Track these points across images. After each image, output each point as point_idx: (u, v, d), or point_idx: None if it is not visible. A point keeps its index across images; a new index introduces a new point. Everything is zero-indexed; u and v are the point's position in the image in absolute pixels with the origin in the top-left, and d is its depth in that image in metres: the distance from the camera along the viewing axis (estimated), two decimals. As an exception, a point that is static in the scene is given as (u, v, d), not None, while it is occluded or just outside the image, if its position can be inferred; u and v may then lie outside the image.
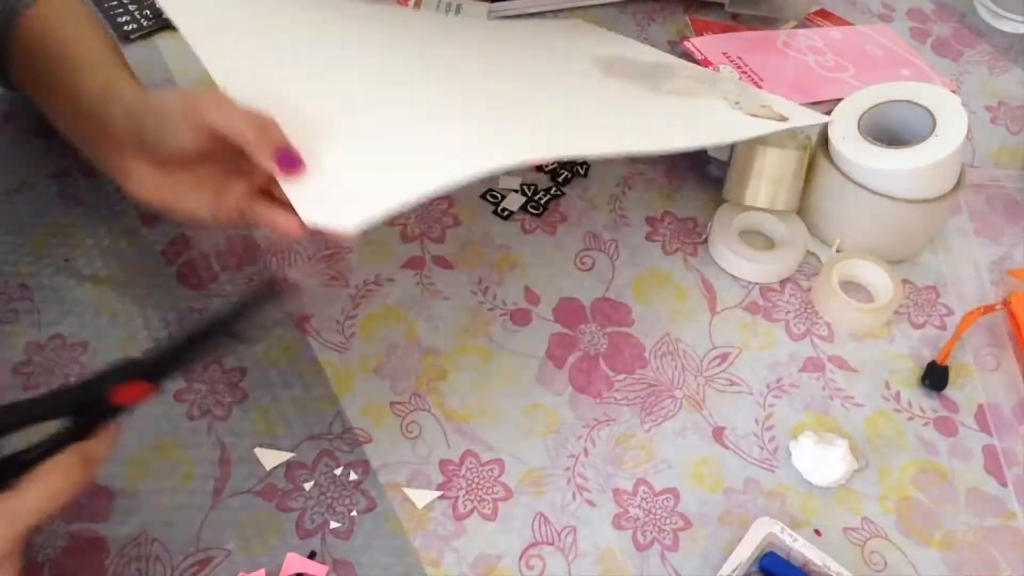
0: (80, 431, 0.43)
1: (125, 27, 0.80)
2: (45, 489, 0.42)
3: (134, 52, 0.79)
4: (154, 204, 0.54)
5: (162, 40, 0.80)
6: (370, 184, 0.49)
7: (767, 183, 0.65)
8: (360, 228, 0.44)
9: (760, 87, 0.74)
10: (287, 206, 0.49)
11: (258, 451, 0.54)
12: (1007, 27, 0.90)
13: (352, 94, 0.56)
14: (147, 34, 0.80)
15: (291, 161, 0.48)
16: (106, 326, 0.61)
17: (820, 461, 0.55)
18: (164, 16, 0.81)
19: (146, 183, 0.53)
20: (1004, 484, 0.57)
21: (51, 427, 0.43)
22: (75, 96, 0.57)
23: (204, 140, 0.50)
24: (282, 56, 0.59)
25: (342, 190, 0.48)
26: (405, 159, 0.50)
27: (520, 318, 0.63)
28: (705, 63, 0.76)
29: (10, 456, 0.43)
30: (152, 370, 0.44)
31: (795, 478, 0.56)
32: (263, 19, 0.62)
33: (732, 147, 0.66)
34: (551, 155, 0.56)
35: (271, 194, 0.51)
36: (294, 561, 0.51)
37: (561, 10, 0.87)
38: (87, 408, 0.43)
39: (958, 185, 0.65)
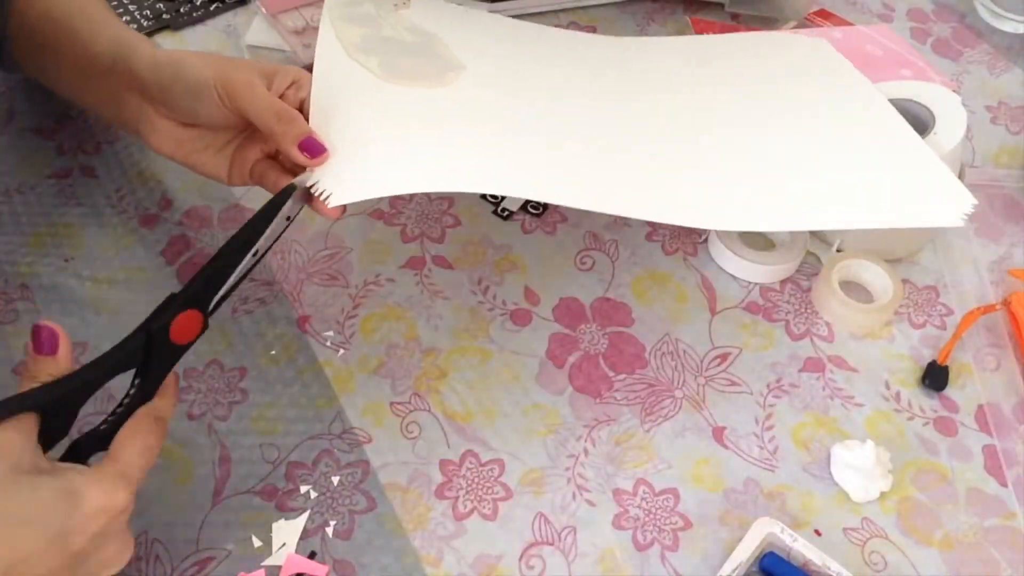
0: (146, 388, 0.45)
1: (125, 27, 0.80)
2: (140, 446, 0.44)
3: (134, 52, 0.79)
4: (174, 157, 0.57)
5: (162, 40, 0.80)
6: (379, 168, 0.51)
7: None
8: (345, 203, 0.49)
9: (760, 87, 0.75)
10: (293, 172, 0.53)
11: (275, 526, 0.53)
12: (1007, 27, 0.90)
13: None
14: (147, 34, 0.80)
15: (316, 149, 0.51)
16: (106, 326, 0.61)
17: (864, 479, 0.55)
18: (164, 16, 0.81)
19: (168, 138, 0.56)
20: (1004, 484, 0.57)
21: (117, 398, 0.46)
22: (86, 57, 0.58)
23: (233, 117, 0.53)
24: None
25: (355, 167, 0.51)
26: (429, 153, 0.52)
27: (520, 318, 0.63)
28: (705, 63, 0.76)
29: (88, 433, 0.45)
30: (197, 299, 0.46)
31: (795, 478, 0.56)
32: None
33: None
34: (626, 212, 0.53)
35: (280, 160, 0.56)
36: (294, 561, 0.51)
37: (562, 10, 0.87)
38: (153, 351, 0.45)
39: (958, 185, 0.65)
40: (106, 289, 0.62)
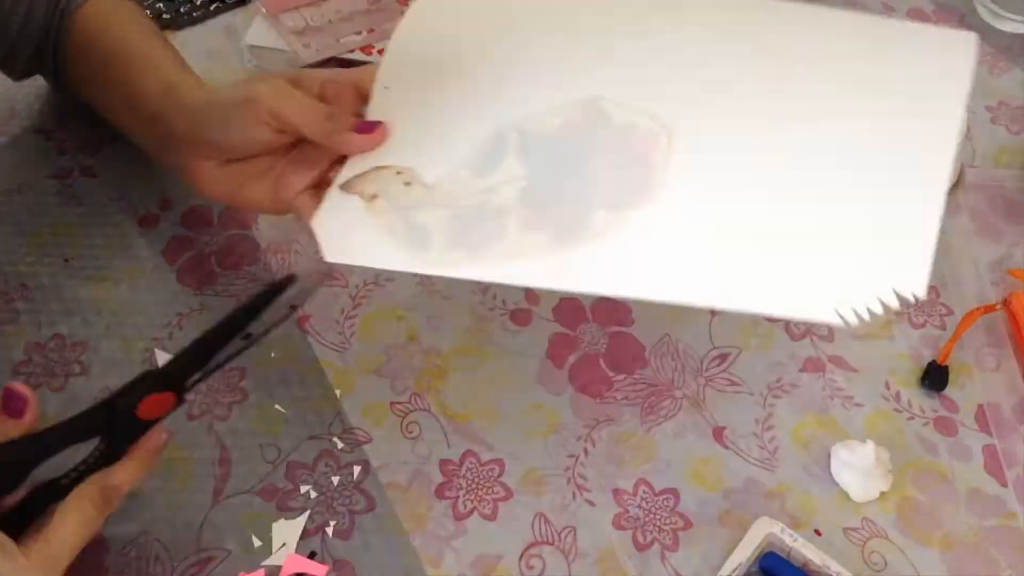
0: (111, 452, 0.44)
1: (125, 27, 0.80)
2: (78, 521, 0.43)
3: (134, 52, 0.79)
4: (218, 198, 0.55)
5: (162, 40, 0.80)
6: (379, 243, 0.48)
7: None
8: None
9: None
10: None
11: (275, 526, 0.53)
12: (1007, 27, 0.90)
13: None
14: (147, 34, 0.80)
15: (371, 126, 0.50)
16: (106, 326, 0.61)
17: (864, 479, 0.55)
18: (164, 16, 0.81)
19: (210, 180, 0.54)
20: (1004, 484, 0.57)
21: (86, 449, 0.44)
22: (136, 97, 0.57)
23: (269, 131, 0.51)
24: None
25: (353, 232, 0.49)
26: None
27: (520, 318, 0.63)
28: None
29: (48, 482, 0.44)
30: (172, 380, 0.45)
31: (795, 478, 0.56)
32: None
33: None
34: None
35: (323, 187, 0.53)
36: (294, 561, 0.51)
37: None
38: (115, 426, 0.44)
39: (957, 184, 0.65)
40: (106, 289, 0.62)
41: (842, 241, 0.42)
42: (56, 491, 0.43)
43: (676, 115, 0.47)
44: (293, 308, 0.47)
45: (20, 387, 0.44)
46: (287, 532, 0.52)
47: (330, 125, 0.50)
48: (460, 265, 0.45)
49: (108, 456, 0.44)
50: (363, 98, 0.53)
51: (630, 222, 0.43)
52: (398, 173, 0.50)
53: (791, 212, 0.43)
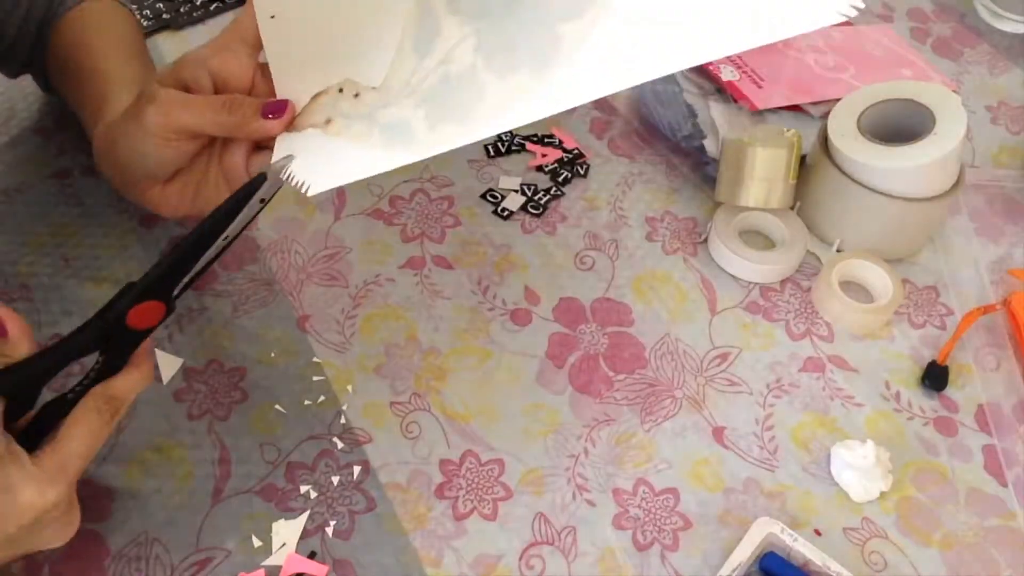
0: (111, 364, 0.45)
1: (125, 27, 0.80)
2: (84, 432, 0.44)
3: (134, 52, 0.79)
4: (180, 215, 0.54)
5: (162, 40, 0.80)
6: (344, 157, 0.46)
7: (758, 183, 0.65)
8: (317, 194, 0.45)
9: (761, 87, 0.74)
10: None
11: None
12: (1007, 27, 0.90)
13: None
14: (147, 34, 0.80)
15: (280, 107, 0.48)
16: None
17: (864, 479, 0.55)
18: (164, 16, 0.81)
19: (163, 201, 0.53)
20: (1004, 484, 0.57)
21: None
22: (103, 113, 0.56)
23: (180, 144, 0.49)
24: None
25: (321, 156, 0.47)
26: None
27: (520, 318, 0.63)
28: (706, 65, 0.76)
29: (55, 399, 0.45)
30: (159, 287, 0.45)
31: (795, 478, 0.56)
32: None
33: (722, 149, 0.66)
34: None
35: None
36: (294, 561, 0.51)
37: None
38: (111, 338, 0.45)
39: (957, 184, 0.65)
40: (106, 289, 0.62)
41: None
42: (63, 407, 0.45)
43: None
44: (263, 202, 0.46)
45: None
46: (287, 532, 0.52)
47: (233, 118, 0.48)
48: (454, 137, 0.43)
49: (109, 368, 0.45)
50: (255, 44, 0.50)
51: (598, 20, 0.41)
52: (340, 91, 0.47)
53: None
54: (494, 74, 0.43)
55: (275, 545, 0.52)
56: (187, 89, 0.49)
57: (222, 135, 0.49)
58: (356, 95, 0.47)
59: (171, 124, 0.48)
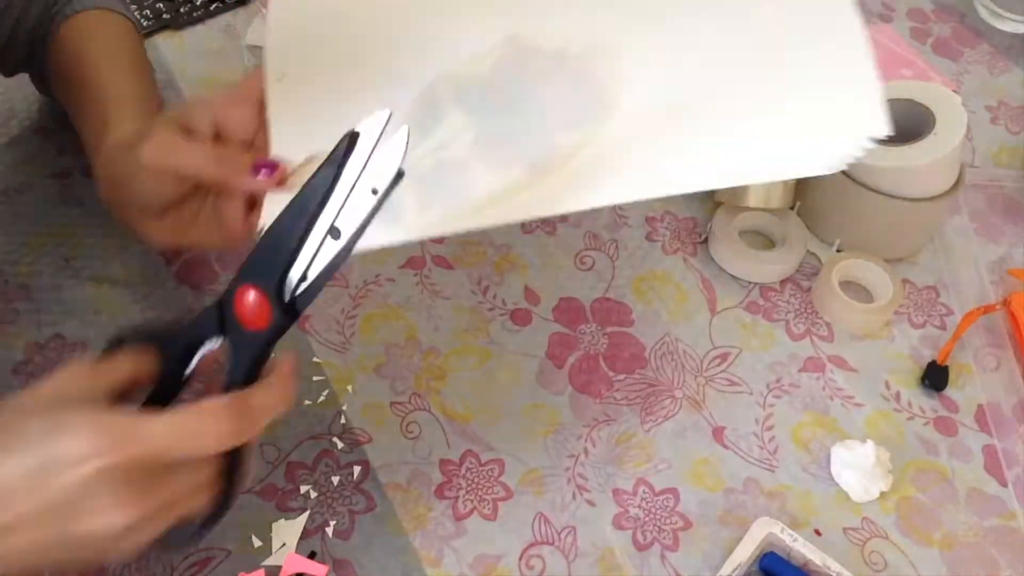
0: (235, 375, 0.41)
1: (125, 27, 0.80)
2: (181, 426, 0.37)
3: (134, 52, 0.79)
4: (170, 245, 0.53)
5: (162, 40, 0.80)
6: None
7: (758, 183, 0.65)
8: None
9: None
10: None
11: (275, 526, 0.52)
12: (1007, 27, 0.90)
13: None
14: (147, 34, 0.80)
15: (271, 165, 0.47)
16: (106, 326, 0.60)
17: (864, 479, 0.55)
18: (164, 16, 0.81)
19: (155, 231, 0.52)
20: (1004, 484, 0.57)
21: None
22: (94, 145, 0.55)
23: (174, 184, 0.49)
24: None
25: None
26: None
27: (520, 318, 0.63)
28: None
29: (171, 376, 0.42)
30: (255, 270, 0.40)
31: (795, 478, 0.56)
32: None
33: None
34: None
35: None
36: (294, 561, 0.51)
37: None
38: (223, 330, 0.41)
39: (957, 184, 0.65)
40: (106, 289, 0.62)
41: (798, 102, 0.42)
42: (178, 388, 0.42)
43: (603, 31, 0.45)
44: (375, 192, 0.39)
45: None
46: (287, 532, 0.52)
47: (224, 170, 0.47)
48: (443, 223, 0.44)
49: (232, 379, 0.41)
50: (261, 105, 0.50)
51: (599, 136, 0.42)
52: None
53: (740, 90, 0.43)
54: (487, 167, 0.43)
55: (275, 545, 0.52)
56: (189, 132, 0.49)
57: (214, 184, 0.49)
58: None
59: (163, 165, 0.48)
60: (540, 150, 0.43)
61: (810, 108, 0.42)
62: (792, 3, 0.44)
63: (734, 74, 0.43)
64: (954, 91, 0.68)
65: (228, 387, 0.41)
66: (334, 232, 0.40)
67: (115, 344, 0.41)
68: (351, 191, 0.39)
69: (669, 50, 0.44)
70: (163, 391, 0.42)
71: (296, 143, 0.47)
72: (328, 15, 0.50)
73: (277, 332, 0.41)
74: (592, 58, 0.45)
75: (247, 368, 0.41)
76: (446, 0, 0.49)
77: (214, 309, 0.41)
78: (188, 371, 0.42)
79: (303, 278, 0.40)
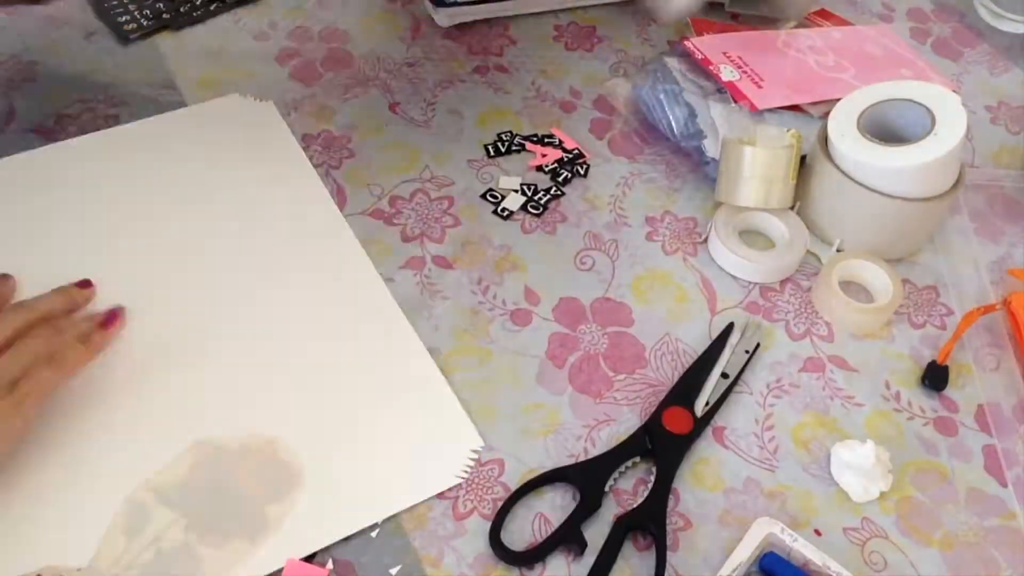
0: (662, 468, 0.55)
1: (125, 27, 0.80)
2: None
3: (134, 52, 0.79)
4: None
5: (162, 40, 0.80)
6: None
7: (757, 183, 0.65)
8: None
9: (760, 87, 0.75)
10: None
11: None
12: (1007, 27, 0.90)
13: None
14: (147, 34, 0.80)
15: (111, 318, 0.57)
16: (106, 326, 0.60)
17: (864, 479, 0.55)
18: (164, 16, 0.81)
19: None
20: (1004, 484, 0.57)
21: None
22: None
23: None
24: None
25: None
26: None
27: (520, 318, 0.63)
28: (705, 63, 0.76)
29: (633, 510, 0.53)
30: (679, 396, 0.58)
31: (795, 478, 0.56)
32: None
33: (722, 149, 0.66)
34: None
35: None
36: (294, 563, 0.51)
37: (562, 10, 0.87)
38: (654, 438, 0.56)
39: (957, 184, 0.65)
40: (106, 289, 0.62)
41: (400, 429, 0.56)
42: (638, 513, 0.53)
43: (271, 415, 0.56)
44: (748, 352, 0.61)
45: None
46: (287, 532, 0.52)
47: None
48: None
49: (661, 477, 0.54)
50: None
51: (297, 501, 0.52)
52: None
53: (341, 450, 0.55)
54: (210, 547, 0.50)
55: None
56: None
57: None
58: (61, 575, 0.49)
59: None
60: (253, 522, 0.51)
61: (412, 447, 0.55)
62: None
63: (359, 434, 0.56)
64: (954, 91, 0.68)
65: (656, 485, 0.54)
66: (726, 377, 0.60)
67: None
68: (729, 352, 0.61)
69: (323, 429, 0.56)
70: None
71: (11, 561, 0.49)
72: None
73: (692, 432, 0.57)
74: (270, 444, 0.54)
75: (672, 464, 0.55)
76: (127, 424, 0.55)
77: (640, 433, 0.56)
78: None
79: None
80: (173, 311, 0.60)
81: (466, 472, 0.54)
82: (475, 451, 0.55)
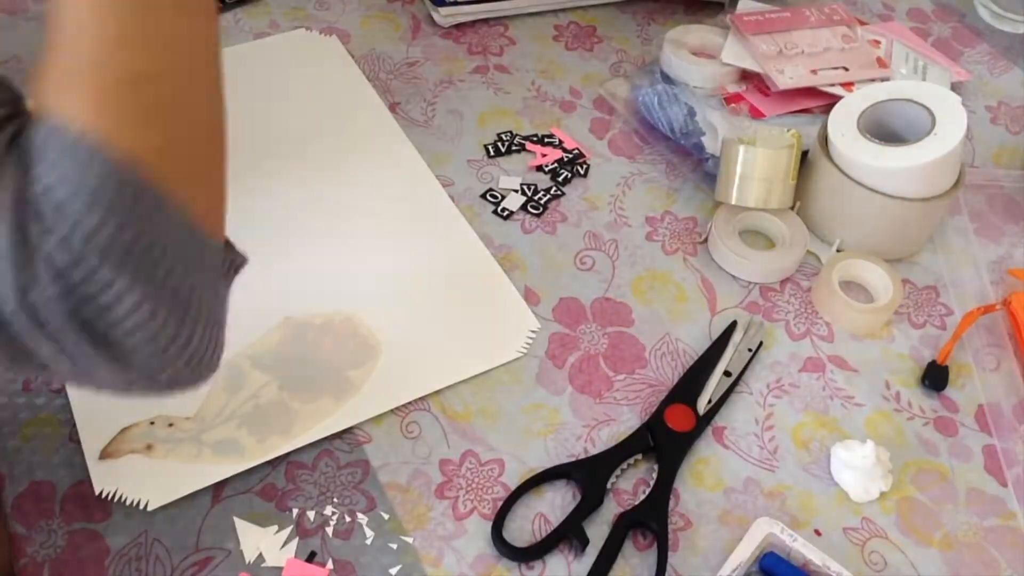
0: (663, 473, 0.55)
1: (125, 27, 0.80)
2: None
3: (134, 52, 0.79)
4: None
5: (162, 40, 0.80)
6: None
7: (757, 183, 0.65)
8: None
9: (767, 96, 0.74)
10: None
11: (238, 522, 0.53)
12: (1007, 27, 0.90)
13: None
14: (147, 34, 0.80)
15: None
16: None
17: (864, 479, 0.55)
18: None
19: None
20: (1004, 484, 0.57)
21: None
22: None
23: None
24: None
25: None
26: None
27: (520, 318, 0.63)
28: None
29: (634, 507, 0.53)
30: (681, 394, 0.59)
31: (795, 478, 0.56)
32: None
33: (722, 149, 0.66)
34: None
35: None
36: (294, 562, 0.51)
37: (561, 9, 0.87)
38: (655, 438, 0.57)
39: (957, 184, 0.65)
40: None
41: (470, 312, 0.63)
42: (638, 510, 0.53)
43: (351, 297, 0.62)
44: (751, 351, 0.61)
45: None
46: (284, 533, 0.52)
47: None
48: (280, 446, 0.55)
49: (663, 474, 0.54)
50: None
51: (376, 367, 0.59)
52: (151, 424, 0.55)
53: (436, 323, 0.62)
54: (301, 403, 0.57)
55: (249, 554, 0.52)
56: None
57: None
58: (171, 424, 0.55)
59: None
60: (338, 383, 0.58)
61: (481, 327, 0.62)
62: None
63: (433, 313, 0.63)
64: (965, 79, 0.68)
65: (657, 483, 0.54)
66: (728, 375, 0.60)
67: None
68: (731, 350, 0.61)
69: (396, 309, 0.62)
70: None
71: (104, 418, 0.55)
72: None
73: (694, 430, 0.57)
74: (349, 320, 0.61)
75: (673, 463, 0.55)
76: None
77: (643, 428, 0.57)
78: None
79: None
80: (269, 210, 0.67)
81: (525, 348, 0.60)
82: (533, 331, 0.61)
